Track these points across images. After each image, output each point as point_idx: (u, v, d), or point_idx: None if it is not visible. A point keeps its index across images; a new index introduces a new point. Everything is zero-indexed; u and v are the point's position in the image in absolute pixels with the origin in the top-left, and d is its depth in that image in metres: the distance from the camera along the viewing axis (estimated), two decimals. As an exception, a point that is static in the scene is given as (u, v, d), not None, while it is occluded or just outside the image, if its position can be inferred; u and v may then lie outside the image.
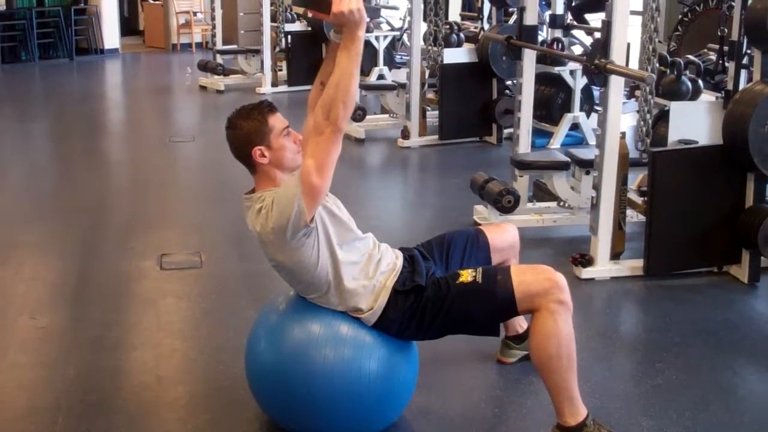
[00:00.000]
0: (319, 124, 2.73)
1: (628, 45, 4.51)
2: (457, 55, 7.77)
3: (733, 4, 5.07)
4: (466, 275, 2.99)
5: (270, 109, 2.97)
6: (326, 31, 10.21)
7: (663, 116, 5.29)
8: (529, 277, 2.93)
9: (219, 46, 11.65)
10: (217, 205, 6.07)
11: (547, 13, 8.09)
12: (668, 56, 5.64)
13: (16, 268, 4.83)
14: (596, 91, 7.70)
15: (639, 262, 4.61)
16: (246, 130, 2.94)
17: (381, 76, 9.87)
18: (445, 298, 2.95)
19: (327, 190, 2.82)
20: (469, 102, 7.70)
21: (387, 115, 8.58)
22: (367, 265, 2.98)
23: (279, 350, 2.97)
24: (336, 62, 2.73)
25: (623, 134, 4.56)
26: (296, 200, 2.75)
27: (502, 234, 3.43)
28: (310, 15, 2.85)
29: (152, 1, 15.84)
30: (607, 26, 4.37)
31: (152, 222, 5.70)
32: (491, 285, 2.94)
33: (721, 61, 6.06)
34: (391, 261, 3.06)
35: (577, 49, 8.59)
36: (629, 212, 4.84)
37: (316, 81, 3.10)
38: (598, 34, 7.77)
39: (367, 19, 2.73)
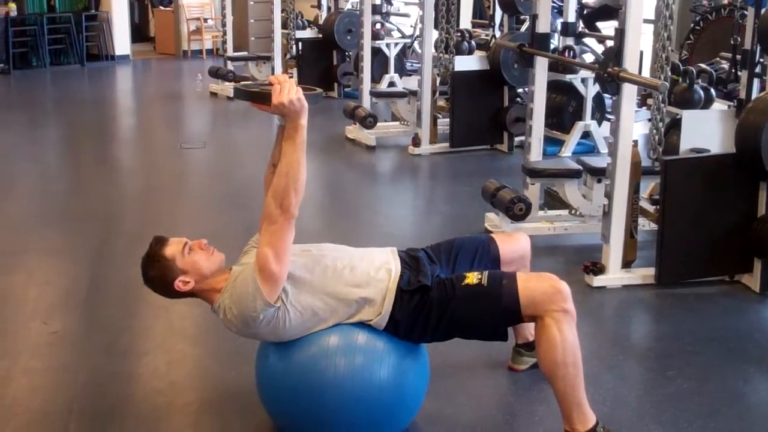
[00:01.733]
0: (271, 213, 2.76)
1: (641, 53, 4.50)
2: (468, 63, 7.77)
3: (745, 12, 5.07)
4: (472, 278, 2.99)
5: (160, 243, 3.00)
6: (337, 38, 10.25)
7: (675, 125, 5.29)
8: (533, 284, 2.94)
9: (230, 52, 11.69)
10: (228, 211, 6.08)
11: (559, 21, 8.08)
12: (680, 65, 5.64)
13: (29, 273, 4.85)
14: (608, 100, 7.70)
15: (651, 271, 4.61)
16: (157, 276, 2.98)
17: (392, 84, 9.89)
18: (451, 300, 2.95)
19: (285, 275, 2.83)
20: (480, 109, 7.71)
21: (398, 123, 8.60)
22: (352, 276, 2.95)
23: (289, 358, 2.96)
24: (282, 152, 2.78)
25: (635, 142, 4.56)
26: (256, 292, 2.79)
27: (514, 245, 3.41)
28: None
29: (163, 8, 15.89)
30: (620, 34, 4.37)
31: (164, 228, 5.65)
32: (496, 289, 2.94)
33: (733, 70, 6.05)
34: (382, 264, 3.03)
35: (588, 57, 8.59)
36: (641, 220, 4.84)
37: (269, 162, 3.12)
38: (609, 42, 7.80)
39: (308, 106, 2.74)
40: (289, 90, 2.70)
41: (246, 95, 2.87)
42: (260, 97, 2.78)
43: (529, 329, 3.51)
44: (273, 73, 10.69)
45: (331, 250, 3.07)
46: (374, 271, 2.98)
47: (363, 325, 2.94)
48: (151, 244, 3.01)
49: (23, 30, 13.60)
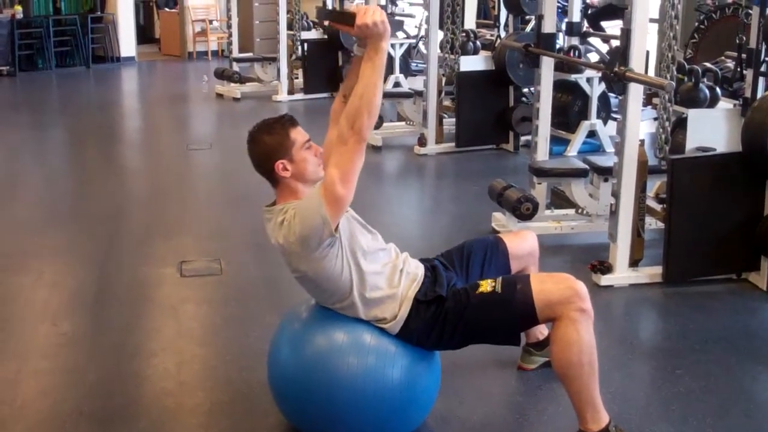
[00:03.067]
0: (343, 134, 2.76)
1: (647, 53, 4.51)
2: (473, 63, 7.78)
3: (750, 11, 5.07)
4: (486, 285, 3.00)
5: (291, 122, 2.99)
6: (342, 40, 10.25)
7: (680, 124, 5.30)
8: (549, 286, 2.94)
9: (235, 54, 11.70)
10: (236, 212, 6.10)
11: (564, 21, 8.08)
12: (685, 64, 5.65)
13: (37, 274, 4.86)
14: (613, 99, 7.71)
15: (658, 269, 4.61)
16: (268, 144, 2.96)
17: (397, 84, 9.90)
18: (466, 309, 2.96)
19: (351, 200, 2.83)
20: (485, 109, 7.72)
21: (404, 123, 8.61)
22: (392, 275, 2.99)
23: (302, 358, 2.98)
24: (360, 73, 2.77)
25: (642, 142, 4.57)
26: (320, 210, 2.77)
27: (521, 242, 3.44)
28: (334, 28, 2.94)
29: (168, 10, 15.92)
30: (626, 34, 4.37)
31: (172, 229, 5.73)
32: (511, 294, 2.94)
33: (739, 69, 6.05)
34: (413, 271, 3.07)
35: (593, 57, 8.58)
36: (648, 219, 4.84)
37: (339, 94, 3.15)
38: (614, 42, 7.79)
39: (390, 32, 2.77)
40: (373, 12, 2.71)
41: (330, 15, 2.92)
42: (345, 17, 2.79)
43: (539, 329, 3.52)
44: (278, 75, 10.73)
45: (384, 245, 3.09)
46: (404, 276, 3.02)
47: (375, 326, 2.96)
48: (283, 116, 3.03)
49: (29, 32, 13.62)
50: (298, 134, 2.97)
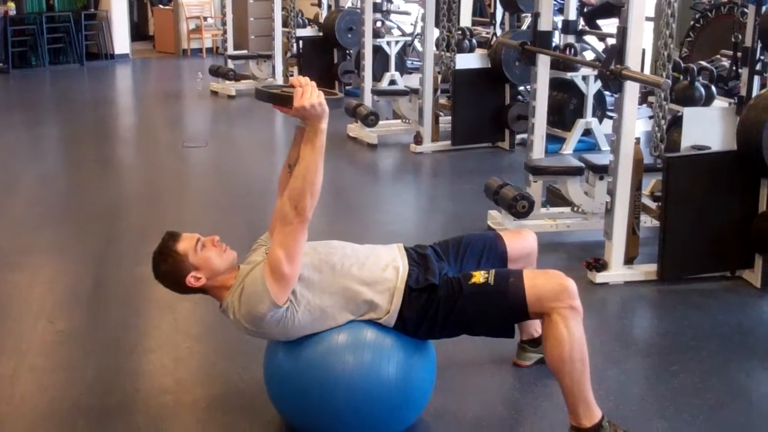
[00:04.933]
0: (286, 214, 2.78)
1: (643, 51, 4.52)
2: (469, 61, 7.79)
3: (746, 10, 5.09)
4: (479, 276, 3.01)
5: (173, 239, 3.00)
6: (338, 36, 10.25)
7: (676, 122, 5.32)
8: (540, 281, 2.96)
9: (230, 51, 11.69)
10: (231, 209, 6.10)
11: (560, 19, 8.10)
12: (681, 62, 5.67)
13: (33, 272, 4.86)
14: (608, 97, 7.72)
15: (653, 267, 4.63)
16: (169, 271, 2.99)
17: (393, 82, 9.90)
18: (458, 298, 2.97)
19: (297, 276, 2.85)
20: (481, 107, 7.73)
21: (399, 121, 8.61)
22: (360, 275, 2.98)
23: (297, 355, 2.98)
24: (300, 155, 2.80)
25: (637, 140, 4.58)
26: (265, 294, 2.81)
27: (521, 242, 3.43)
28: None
29: (162, 6, 15.90)
30: (622, 32, 4.39)
31: (167, 227, 5.65)
32: (503, 287, 2.96)
33: (734, 67, 6.07)
34: (388, 262, 3.05)
35: (589, 55, 8.60)
36: (643, 217, 4.86)
37: (284, 164, 3.14)
38: (610, 40, 7.81)
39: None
40: (311, 94, 2.72)
41: (267, 97, 2.88)
42: (281, 99, 2.79)
43: (534, 326, 3.54)
44: (273, 72, 10.73)
45: (338, 248, 3.08)
46: (382, 269, 3.01)
47: (371, 322, 2.97)
48: (163, 239, 3.02)
49: (22, 29, 13.59)
50: (185, 243, 2.98)
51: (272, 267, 2.80)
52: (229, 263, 3.00)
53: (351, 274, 2.97)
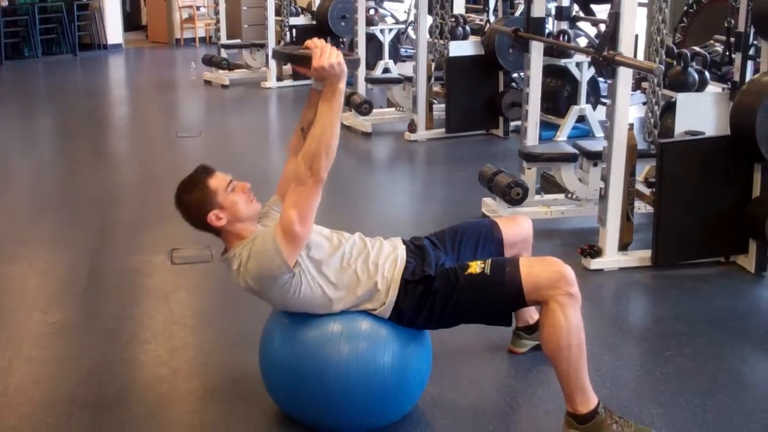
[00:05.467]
0: (301, 174, 2.78)
1: (636, 37, 4.52)
2: (463, 48, 7.78)
3: (739, -5, 5.09)
4: (475, 266, 3.01)
5: (206, 172, 3.00)
6: (331, 24, 10.24)
7: (669, 108, 5.32)
8: (537, 270, 2.96)
9: (223, 40, 11.66)
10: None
11: (553, 5, 8.09)
12: (674, 48, 5.66)
13: (28, 263, 4.86)
14: (602, 84, 7.72)
15: (647, 253, 4.64)
16: (192, 202, 2.99)
17: (386, 70, 9.89)
18: (455, 289, 2.98)
19: (308, 237, 2.86)
20: (475, 95, 7.72)
21: (393, 109, 8.61)
22: (364, 267, 2.99)
23: (293, 344, 2.99)
24: (317, 114, 2.79)
25: (631, 126, 4.58)
26: (276, 252, 2.80)
27: (517, 228, 3.43)
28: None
29: (155, -4, 15.84)
30: (615, 18, 4.38)
31: (162, 217, 5.71)
32: (499, 276, 2.96)
33: (727, 53, 6.07)
34: (389, 253, 3.07)
35: (583, 41, 8.60)
36: (637, 203, 4.87)
37: (297, 127, 3.15)
38: (603, 26, 7.79)
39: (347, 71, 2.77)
40: (329, 54, 2.72)
41: (287, 57, 2.92)
42: (301, 59, 2.80)
43: (529, 312, 3.55)
44: (267, 61, 10.70)
45: (348, 238, 3.08)
46: (382, 261, 3.02)
47: (366, 313, 2.97)
48: (197, 170, 3.02)
49: (14, 20, 13.53)
50: (218, 181, 2.98)
51: (284, 227, 2.79)
52: (253, 214, 3.00)
53: (356, 267, 2.98)
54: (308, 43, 2.79)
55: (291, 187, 2.83)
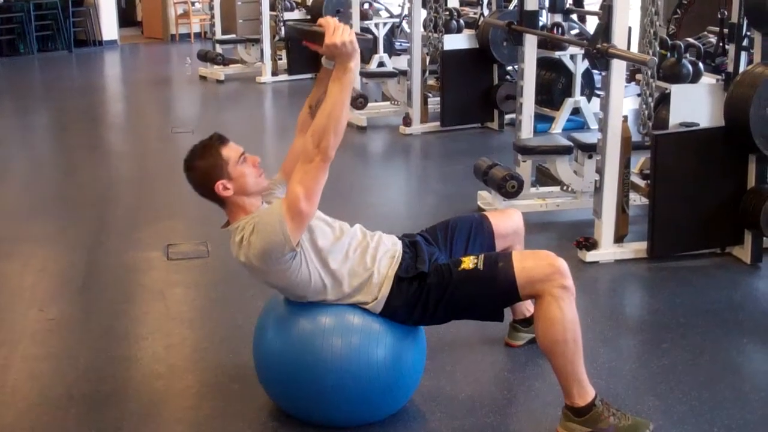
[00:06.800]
0: (308, 152, 2.78)
1: (630, 29, 4.52)
2: (457, 42, 7.77)
3: (732, -14, 5.08)
4: (468, 262, 3.02)
5: (221, 141, 2.99)
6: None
7: (664, 99, 5.32)
8: (530, 263, 2.95)
9: (218, 35, 11.64)
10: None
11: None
12: (668, 39, 5.66)
13: (24, 261, 4.86)
14: (597, 76, 7.71)
15: (643, 245, 4.64)
16: (203, 168, 2.97)
17: (381, 64, 9.87)
18: (448, 285, 2.98)
19: (313, 215, 2.87)
20: (470, 88, 7.72)
21: (388, 103, 8.60)
22: (362, 259, 3.00)
23: (287, 339, 3.00)
24: (327, 92, 2.79)
25: (625, 118, 4.58)
26: (281, 227, 2.80)
27: (507, 220, 3.45)
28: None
29: (150, -8, 15.80)
30: (608, 10, 4.38)
31: (158, 213, 5.72)
32: (493, 272, 2.96)
33: (721, 44, 6.07)
34: (390, 248, 3.08)
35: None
36: (632, 195, 4.87)
37: (305, 104, 3.15)
38: (591, 19, 7.79)
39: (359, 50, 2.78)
40: (342, 32, 2.72)
41: (299, 34, 2.92)
42: (313, 36, 2.80)
43: (525, 305, 3.55)
44: (262, 56, 10.68)
45: (349, 230, 3.08)
46: (380, 255, 3.03)
47: (358, 306, 2.98)
48: (211, 137, 3.01)
49: (10, 17, 13.48)
50: (230, 151, 2.97)
51: (290, 203, 2.79)
52: (260, 189, 3.00)
53: (354, 259, 2.99)
54: (321, 21, 2.78)
55: (298, 165, 2.83)
